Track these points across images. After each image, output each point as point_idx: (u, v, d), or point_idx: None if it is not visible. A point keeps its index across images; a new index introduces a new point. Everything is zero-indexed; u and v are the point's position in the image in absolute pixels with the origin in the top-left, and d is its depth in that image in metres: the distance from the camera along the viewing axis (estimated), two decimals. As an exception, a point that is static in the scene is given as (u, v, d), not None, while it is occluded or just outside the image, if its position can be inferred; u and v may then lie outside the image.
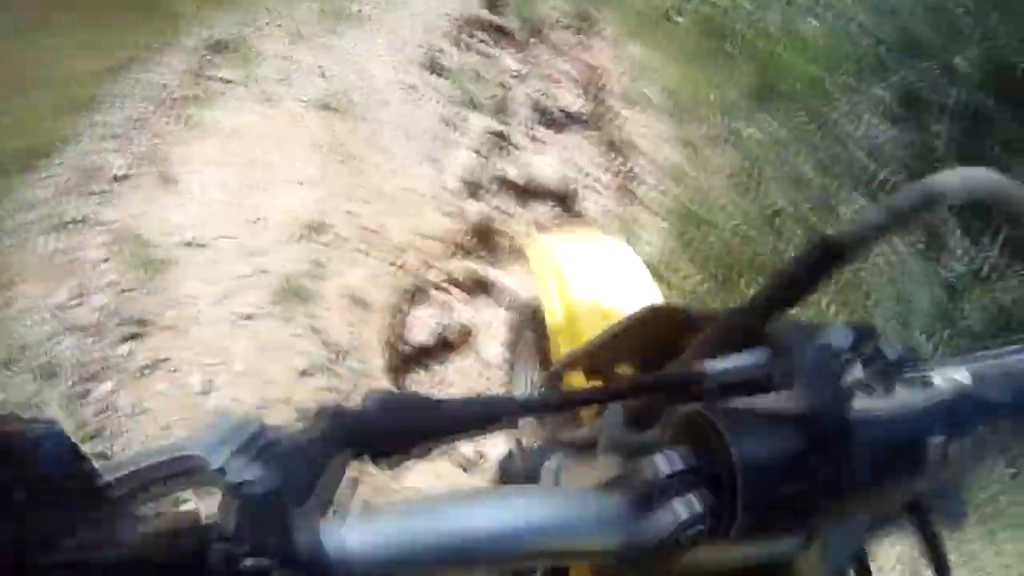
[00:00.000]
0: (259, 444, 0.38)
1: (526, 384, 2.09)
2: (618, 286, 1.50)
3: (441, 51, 4.61)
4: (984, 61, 2.88)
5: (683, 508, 0.40)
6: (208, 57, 4.35)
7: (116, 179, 3.27)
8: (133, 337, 2.58)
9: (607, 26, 5.58)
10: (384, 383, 2.52)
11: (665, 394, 0.50)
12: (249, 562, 0.33)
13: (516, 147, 4.04)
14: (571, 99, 4.65)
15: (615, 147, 4.16)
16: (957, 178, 0.43)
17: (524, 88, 4.67)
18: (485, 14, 5.55)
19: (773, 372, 0.47)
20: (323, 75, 4.01)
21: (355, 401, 0.43)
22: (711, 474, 0.41)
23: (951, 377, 0.50)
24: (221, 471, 0.37)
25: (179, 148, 3.44)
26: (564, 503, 0.43)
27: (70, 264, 2.85)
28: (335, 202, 3.07)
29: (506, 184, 3.68)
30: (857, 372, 0.47)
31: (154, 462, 0.38)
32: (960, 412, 0.49)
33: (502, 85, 4.51)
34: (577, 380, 0.83)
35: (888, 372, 0.48)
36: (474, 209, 3.34)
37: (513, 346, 2.25)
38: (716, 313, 0.54)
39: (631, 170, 3.88)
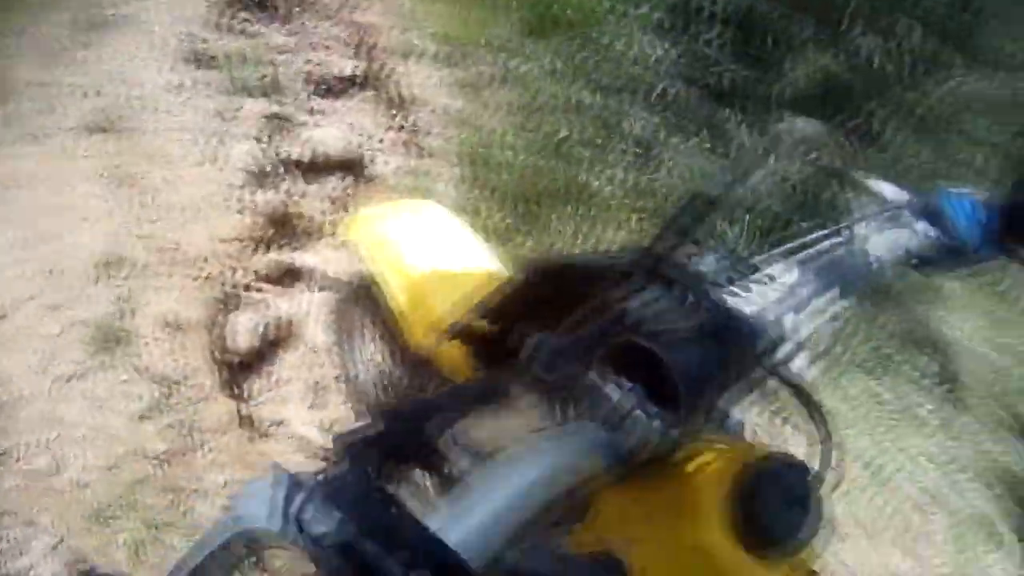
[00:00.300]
0: (304, 497, 0.43)
1: (362, 361, 2.15)
2: (447, 250, 1.56)
3: (204, 41, 4.55)
4: None
5: (642, 419, 0.57)
6: (-46, 99, 4.19)
7: None
8: None
9: (369, -21, 5.59)
10: (222, 400, 2.60)
11: (600, 333, 0.63)
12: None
13: (296, 124, 4.08)
14: (344, 63, 4.69)
15: (396, 104, 4.24)
16: (791, 127, 0.69)
17: (295, 62, 4.68)
18: (243, -9, 5.48)
19: (676, 301, 0.64)
20: (86, 95, 3.92)
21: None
22: (650, 387, 0.58)
23: (787, 271, 0.72)
24: (284, 532, 0.43)
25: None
26: (570, 444, 0.57)
27: None
28: (127, 230, 3.07)
29: (292, 164, 3.73)
30: (727, 284, 0.68)
31: (214, 549, 0.47)
32: (800, 296, 0.69)
33: (272, 63, 4.50)
34: (454, 350, 0.89)
35: (746, 278, 0.71)
36: (265, 199, 3.40)
37: (339, 327, 2.32)
38: (598, 260, 0.71)
39: (415, 124, 3.99)
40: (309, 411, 2.69)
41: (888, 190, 1.16)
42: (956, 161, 3.07)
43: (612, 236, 3.15)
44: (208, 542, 0.45)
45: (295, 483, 0.43)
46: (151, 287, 2.90)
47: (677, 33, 3.31)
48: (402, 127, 4.10)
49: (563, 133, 3.44)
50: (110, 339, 2.69)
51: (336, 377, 2.76)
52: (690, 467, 0.79)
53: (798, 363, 0.83)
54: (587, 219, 3.17)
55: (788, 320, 0.66)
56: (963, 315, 3.53)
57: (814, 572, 0.83)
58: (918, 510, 2.73)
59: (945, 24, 2.98)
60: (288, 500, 0.42)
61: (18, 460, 2.46)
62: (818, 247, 0.94)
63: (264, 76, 4.33)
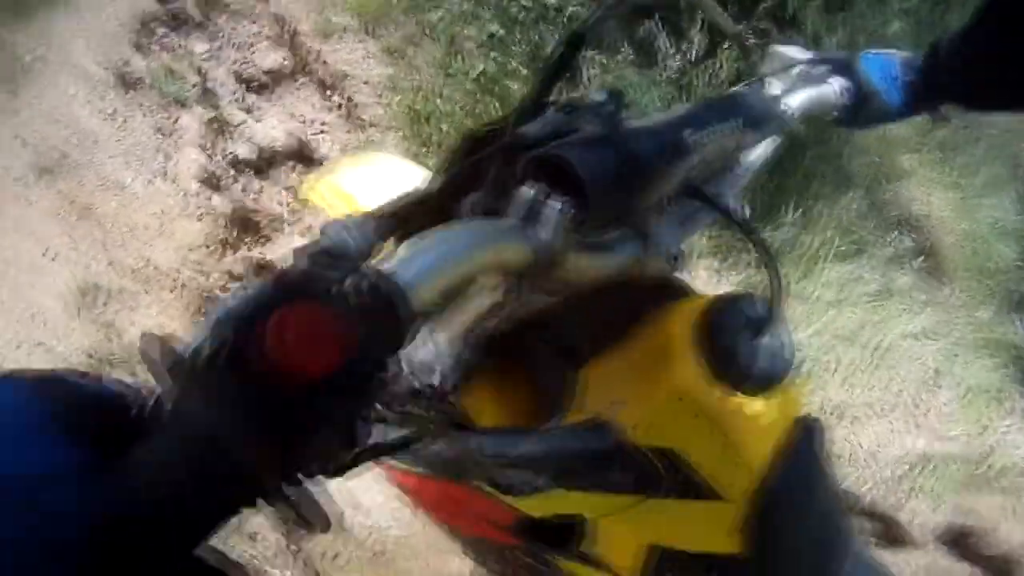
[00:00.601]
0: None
1: None
2: (401, 188, 1.63)
3: (127, 63, 4.55)
4: None
5: (554, 208, 0.63)
6: None
7: None
8: None
9: (277, -28, 5.58)
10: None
11: (509, 155, 0.70)
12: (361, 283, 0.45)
13: (236, 125, 4.12)
14: (270, 56, 4.70)
15: (328, 85, 4.27)
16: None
17: (221, 66, 4.69)
18: (157, 7, 5.45)
19: (574, 123, 0.70)
20: (25, 143, 3.93)
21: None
22: (562, 191, 0.64)
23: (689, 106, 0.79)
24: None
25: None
26: (496, 226, 0.64)
27: None
28: (95, 260, 3.12)
29: (240, 164, 3.78)
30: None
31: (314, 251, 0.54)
32: (696, 114, 0.75)
33: (199, 72, 4.52)
34: None
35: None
36: (222, 202, 3.45)
37: None
38: (516, 111, 0.76)
39: (351, 99, 4.03)
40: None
41: (795, 51, 1.21)
42: (872, 33, 3.12)
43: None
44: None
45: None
46: (131, 307, 2.95)
47: None
48: (340, 105, 4.14)
49: (487, 69, 3.47)
50: (104, 365, 2.74)
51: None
52: (657, 322, 0.87)
53: (722, 196, 0.92)
54: None
55: (688, 133, 0.72)
56: (927, 189, 3.61)
57: (812, 416, 0.91)
58: (924, 386, 2.80)
59: None
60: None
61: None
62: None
63: (194, 85, 4.34)
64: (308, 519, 0.41)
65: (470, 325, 0.92)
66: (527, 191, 0.64)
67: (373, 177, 1.67)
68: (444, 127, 3.43)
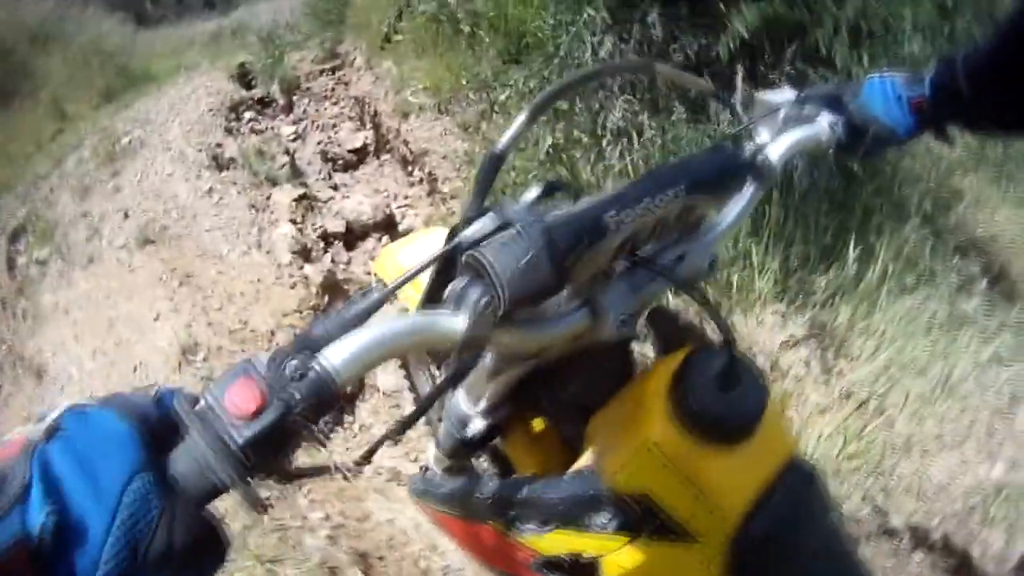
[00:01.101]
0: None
1: (429, 377, 2.31)
2: None
3: (220, 146, 4.82)
4: None
5: (473, 296, 0.72)
6: (13, 248, 4.47)
7: (-10, 392, 3.43)
8: None
9: (355, 55, 5.86)
10: (313, 451, 2.77)
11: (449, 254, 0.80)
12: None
13: (324, 201, 4.33)
14: (354, 136, 4.95)
15: (409, 160, 4.46)
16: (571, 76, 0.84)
17: (308, 145, 4.95)
18: (244, 93, 5.77)
19: (499, 223, 0.79)
20: (127, 216, 4.17)
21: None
22: (485, 283, 0.72)
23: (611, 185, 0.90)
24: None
25: (32, 341, 3.59)
26: (429, 316, 0.73)
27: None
28: (195, 321, 3.27)
29: (330, 236, 3.96)
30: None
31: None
32: (618, 197, 0.80)
33: (287, 152, 4.77)
34: None
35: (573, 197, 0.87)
36: (314, 271, 3.61)
37: (402, 362, 2.47)
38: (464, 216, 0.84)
39: (431, 173, 4.19)
40: (393, 447, 2.86)
41: (781, 95, 1.20)
42: (895, 56, 3.14)
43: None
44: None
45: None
46: (228, 363, 3.06)
47: (622, 25, 3.44)
48: (421, 180, 4.31)
49: (554, 140, 3.57)
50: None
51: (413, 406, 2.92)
52: (644, 377, 0.95)
53: (694, 258, 0.96)
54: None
55: (609, 217, 0.77)
56: (990, 210, 3.57)
57: (800, 459, 0.94)
58: (998, 414, 2.69)
59: None
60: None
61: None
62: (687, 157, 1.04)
63: (283, 165, 4.57)
64: (255, 502, 0.60)
65: (495, 385, 1.05)
66: (457, 283, 0.75)
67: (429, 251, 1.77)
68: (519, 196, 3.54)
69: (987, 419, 2.65)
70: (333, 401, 0.62)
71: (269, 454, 0.59)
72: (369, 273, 3.75)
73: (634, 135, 3.35)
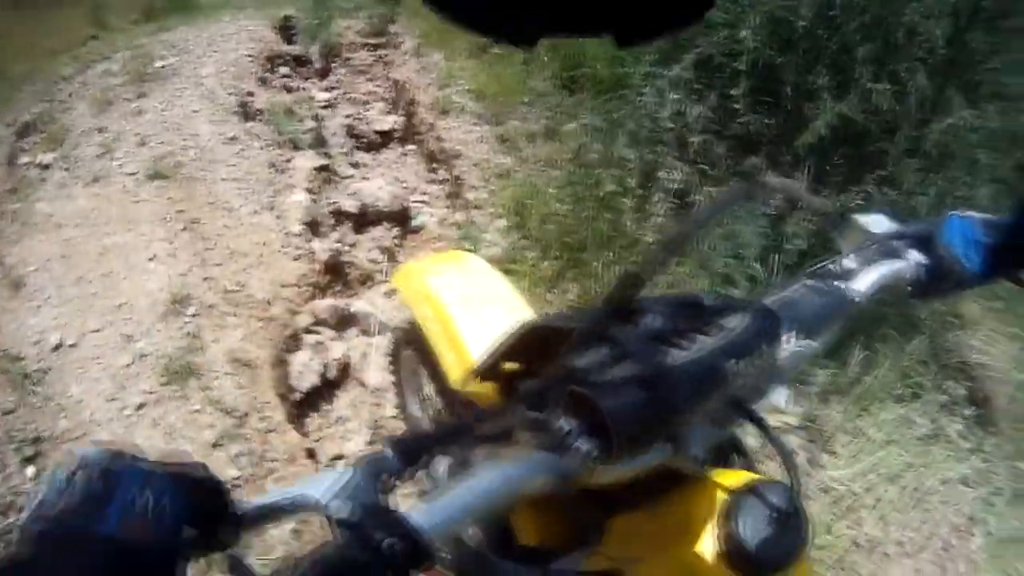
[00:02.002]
0: (351, 487, 0.62)
1: (418, 398, 2.29)
2: (482, 300, 1.66)
3: (251, 94, 4.72)
4: (765, 24, 3.23)
5: (583, 447, 0.69)
6: (18, 144, 4.35)
7: (-42, 293, 3.29)
8: (33, 457, 2.58)
9: (405, 38, 5.79)
10: (290, 432, 2.69)
11: (556, 384, 0.76)
12: (384, 543, 0.56)
13: (343, 177, 4.24)
14: (384, 118, 4.87)
15: (437, 158, 4.39)
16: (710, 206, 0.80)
17: (336, 116, 4.86)
18: (284, 47, 5.68)
19: (615, 357, 0.74)
20: (143, 143, 4.07)
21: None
22: (591, 424, 0.69)
23: (737, 318, 0.82)
24: (326, 507, 0.61)
25: (15, 248, 3.45)
26: (527, 464, 0.70)
27: (-63, 393, 2.86)
28: (192, 271, 3.18)
29: (342, 215, 3.88)
30: (671, 335, 0.78)
31: (280, 499, 0.63)
32: (743, 343, 0.78)
33: (315, 118, 4.67)
34: (477, 386, 1.01)
35: (692, 327, 0.80)
36: (320, 248, 3.52)
37: (395, 369, 2.43)
38: (572, 322, 0.80)
39: (458, 178, 4.12)
40: (368, 447, 2.78)
41: (876, 222, 1.18)
42: (961, 196, 3.18)
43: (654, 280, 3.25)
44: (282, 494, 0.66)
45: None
46: (218, 325, 2.99)
47: (704, 89, 3.43)
48: (445, 180, 4.24)
49: (608, 188, 3.55)
50: (181, 372, 2.78)
51: (394, 416, 2.86)
52: (688, 493, 0.91)
53: (776, 396, 0.93)
54: (626, 260, 3.29)
55: (729, 363, 0.75)
56: (989, 339, 3.62)
57: None
58: (957, 531, 2.79)
59: (945, 64, 3.11)
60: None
61: (88, 483, 2.51)
62: (786, 291, 1.01)
63: (310, 130, 4.48)
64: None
65: None
66: (563, 424, 0.71)
67: (456, 280, 1.76)
68: (550, 227, 3.49)
69: (946, 535, 2.77)
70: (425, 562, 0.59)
71: None
72: (372, 261, 3.67)
73: (687, 197, 3.34)
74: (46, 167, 4.05)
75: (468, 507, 0.63)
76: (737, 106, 3.28)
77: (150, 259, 3.25)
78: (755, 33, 3.17)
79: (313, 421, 2.89)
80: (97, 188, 3.76)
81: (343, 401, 3.00)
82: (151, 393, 2.72)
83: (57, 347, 2.91)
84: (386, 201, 3.97)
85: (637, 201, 3.46)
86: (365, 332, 3.25)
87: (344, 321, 3.26)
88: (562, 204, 3.60)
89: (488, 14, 0.40)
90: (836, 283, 1.05)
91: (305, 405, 2.91)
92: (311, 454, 2.71)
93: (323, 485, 0.63)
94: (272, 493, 0.64)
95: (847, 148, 3.23)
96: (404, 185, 4.24)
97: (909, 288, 1.15)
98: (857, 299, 1.02)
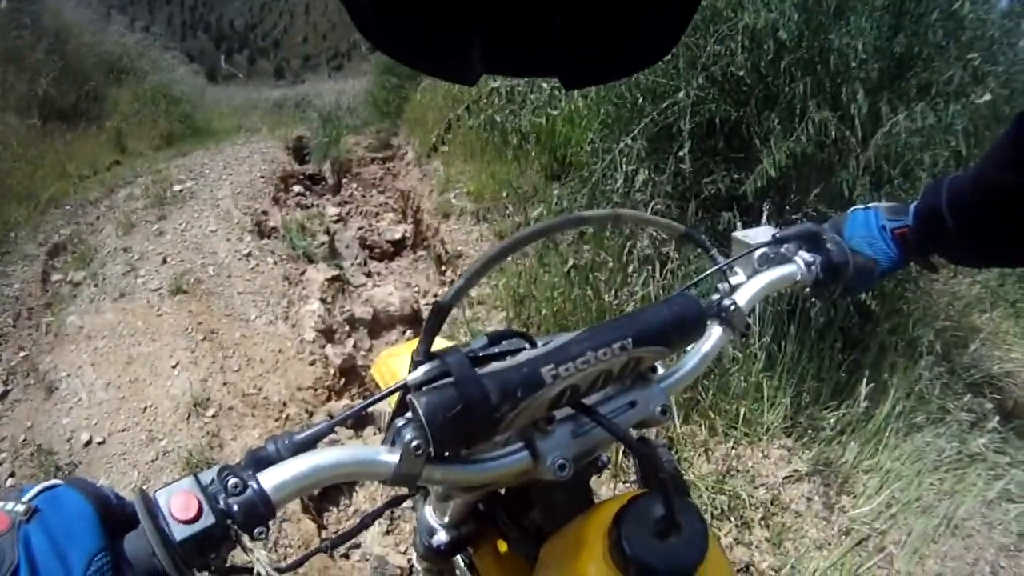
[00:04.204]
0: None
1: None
2: None
3: (266, 213, 5.00)
4: (711, 82, 3.34)
5: (406, 438, 0.75)
6: (49, 262, 4.61)
7: (-2, 397, 3.51)
8: None
9: (407, 149, 6.09)
10: (304, 522, 2.81)
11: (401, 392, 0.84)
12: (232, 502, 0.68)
13: (355, 286, 4.47)
14: (392, 227, 5.12)
15: (443, 260, 4.60)
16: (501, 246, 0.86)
17: (349, 229, 5.13)
18: (296, 167, 6.00)
19: (441, 371, 0.81)
20: (165, 261, 4.32)
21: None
22: (419, 424, 0.76)
23: (558, 339, 0.86)
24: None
25: (48, 356, 3.67)
26: (362, 450, 0.78)
27: (-26, 486, 3.04)
28: (212, 377, 3.37)
29: (356, 322, 4.08)
30: (496, 354, 0.87)
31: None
32: (560, 349, 0.81)
33: (328, 232, 4.93)
34: None
35: (518, 347, 0.90)
36: (335, 353, 3.71)
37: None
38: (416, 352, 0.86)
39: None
40: (384, 536, 2.90)
41: (758, 234, 1.18)
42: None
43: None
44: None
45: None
46: (237, 425, 3.16)
47: (655, 155, 3.52)
48: (453, 281, 4.41)
49: (579, 262, 3.63)
50: (201, 466, 2.91)
51: (410, 508, 2.98)
52: (589, 516, 0.94)
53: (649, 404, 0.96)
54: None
55: (548, 371, 0.81)
56: (1007, 346, 3.59)
57: None
58: (1005, 552, 2.63)
59: (877, 77, 3.19)
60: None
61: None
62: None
63: (323, 244, 4.73)
64: None
65: (455, 505, 1.10)
66: (398, 421, 0.79)
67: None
68: (544, 311, 3.64)
69: (992, 557, 2.61)
70: (265, 517, 0.70)
71: (204, 553, 0.68)
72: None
73: (658, 265, 3.42)
74: (76, 284, 4.30)
75: (305, 476, 0.72)
76: (685, 166, 3.33)
77: (173, 366, 3.45)
78: (700, 91, 3.29)
79: (332, 514, 3.02)
80: (123, 303, 3.99)
81: (361, 496, 3.12)
82: None
83: (87, 443, 3.10)
84: (397, 306, 4.18)
85: (613, 273, 3.57)
86: (382, 431, 3.38)
87: (361, 421, 3.41)
88: (550, 288, 3.73)
89: (430, 52, 0.42)
90: (715, 296, 1.07)
91: (323, 499, 3.04)
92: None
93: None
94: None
95: (802, 181, 3.32)
96: (415, 289, 4.46)
97: (808, 288, 1.15)
98: (737, 308, 1.03)
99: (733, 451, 2.89)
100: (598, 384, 0.86)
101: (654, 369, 0.96)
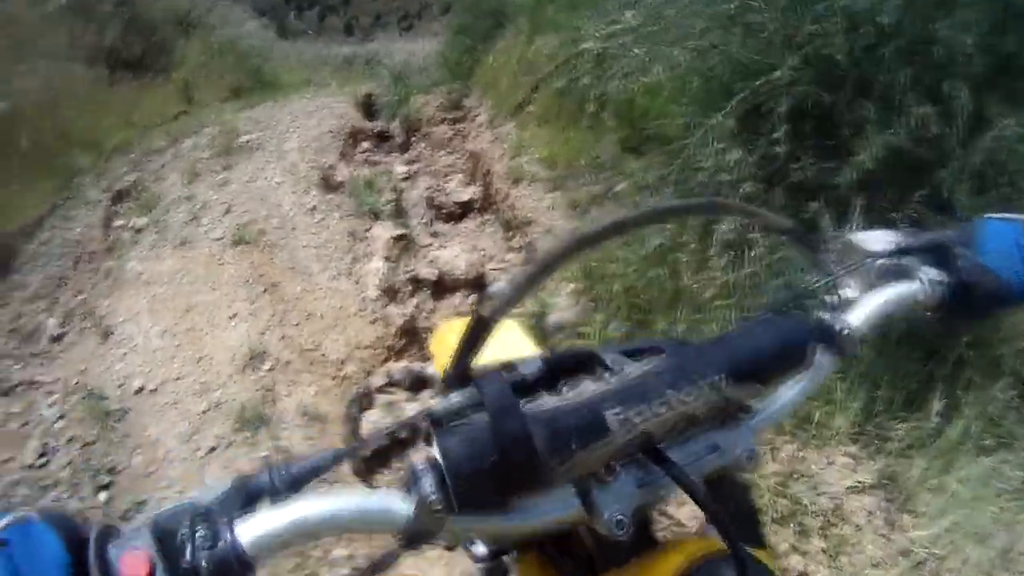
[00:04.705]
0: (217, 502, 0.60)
1: None
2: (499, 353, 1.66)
3: (332, 168, 4.87)
4: (806, 63, 3.11)
5: (424, 488, 0.60)
6: (112, 208, 4.54)
7: (53, 339, 3.43)
8: (107, 486, 2.71)
9: (479, 111, 5.93)
10: (356, 486, 2.70)
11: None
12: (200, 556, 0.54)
13: (421, 246, 4.32)
14: (461, 189, 4.97)
15: (512, 225, 4.46)
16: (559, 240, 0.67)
17: (416, 188, 4.98)
18: (365, 123, 5.87)
19: (474, 402, 0.66)
20: (229, 210, 4.22)
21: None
22: (440, 469, 0.62)
23: (636, 364, 0.71)
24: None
25: (106, 301, 3.61)
26: (364, 498, 0.63)
27: (26, 427, 2.99)
28: (270, 330, 3.26)
29: (420, 283, 3.93)
30: (543, 383, 0.70)
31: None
32: (630, 387, 0.67)
33: (395, 190, 4.79)
34: None
35: (573, 376, 0.71)
36: (396, 312, 3.58)
37: None
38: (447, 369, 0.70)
39: (531, 244, 4.16)
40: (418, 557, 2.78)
41: (876, 239, 0.97)
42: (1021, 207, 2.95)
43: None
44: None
45: None
46: (292, 381, 3.05)
47: (749, 136, 3.35)
48: (520, 247, 4.27)
49: (661, 242, 3.46)
50: (253, 421, 2.84)
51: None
52: (653, 559, 0.81)
53: (736, 450, 0.79)
54: (692, 320, 3.22)
55: (612, 412, 0.66)
56: None
57: None
58: None
59: (985, 75, 2.98)
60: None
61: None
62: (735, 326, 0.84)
63: (389, 201, 4.58)
64: None
65: None
66: (415, 460, 0.65)
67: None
68: (616, 288, 3.46)
69: None
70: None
71: None
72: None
73: (746, 249, 3.24)
74: (138, 230, 4.23)
75: (294, 529, 0.59)
76: (780, 149, 3.18)
77: (231, 317, 3.35)
78: (794, 72, 3.11)
79: (382, 477, 2.89)
80: (184, 251, 3.91)
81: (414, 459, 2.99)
82: (223, 438, 2.79)
83: (139, 390, 3.04)
84: (463, 269, 4.02)
85: (694, 256, 3.40)
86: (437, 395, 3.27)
87: (418, 383, 3.28)
88: (627, 265, 3.56)
89: None
90: (823, 315, 0.86)
91: (373, 461, 2.92)
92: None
93: (208, 494, 0.61)
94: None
95: (898, 177, 3.12)
96: (482, 253, 4.29)
97: (929, 313, 0.94)
98: (851, 332, 0.82)
99: (799, 453, 2.73)
100: (676, 429, 0.70)
101: (745, 408, 0.78)
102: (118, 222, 4.38)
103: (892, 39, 2.97)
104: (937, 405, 2.82)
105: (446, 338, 1.75)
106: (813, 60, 3.14)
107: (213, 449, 2.76)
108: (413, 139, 5.81)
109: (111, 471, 2.76)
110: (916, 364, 2.95)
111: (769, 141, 3.20)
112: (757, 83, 3.20)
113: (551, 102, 5.23)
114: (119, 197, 4.66)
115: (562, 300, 3.62)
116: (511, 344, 1.80)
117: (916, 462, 2.78)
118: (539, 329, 3.34)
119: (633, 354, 0.73)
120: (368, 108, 6.24)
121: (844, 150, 3.06)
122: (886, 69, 2.99)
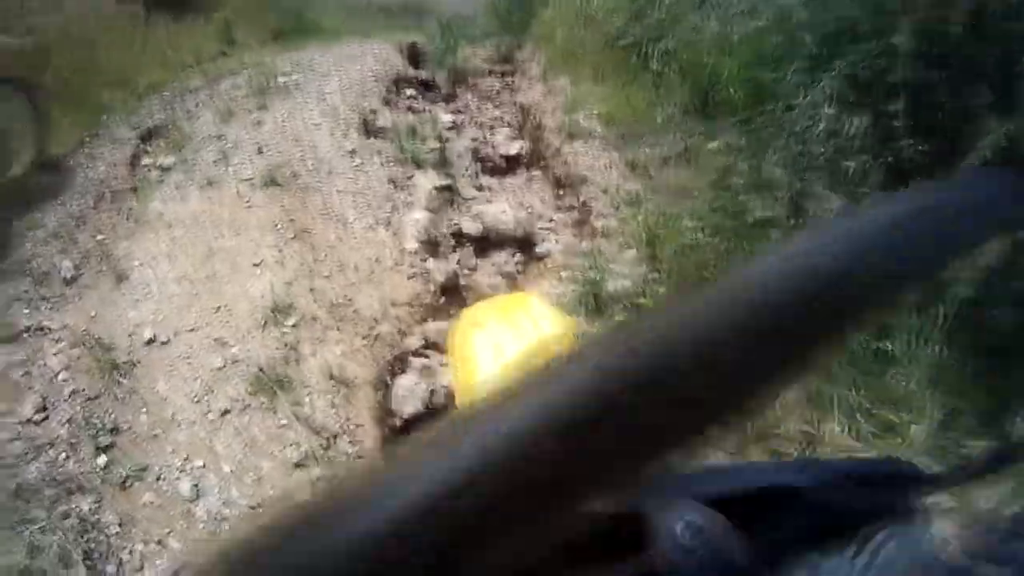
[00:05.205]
0: None
1: None
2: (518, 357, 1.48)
3: (374, 112, 4.57)
4: (918, 33, 2.87)
5: None
6: (141, 146, 4.27)
7: (67, 282, 3.17)
8: (108, 448, 2.48)
9: (531, 64, 5.60)
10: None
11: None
12: None
13: (465, 199, 4.00)
14: (510, 143, 4.64)
15: (563, 183, 4.12)
16: None
17: (462, 139, 4.65)
18: (410, 71, 5.55)
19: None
20: (261, 151, 3.92)
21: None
22: None
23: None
24: None
25: (125, 243, 3.35)
26: None
27: (28, 377, 2.74)
28: (298, 281, 2.99)
29: (463, 237, 3.63)
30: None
31: None
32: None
33: (439, 139, 4.47)
34: None
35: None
36: (437, 268, 3.28)
37: None
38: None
39: (585, 204, 3.83)
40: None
41: None
42: None
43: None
44: None
45: None
46: (319, 339, 2.77)
47: (861, 106, 3.03)
48: (572, 207, 3.95)
49: (757, 215, 3.16)
50: (272, 382, 2.58)
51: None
52: None
53: None
54: None
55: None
56: None
57: None
58: None
59: None
60: None
61: (159, 479, 2.37)
62: None
63: (433, 150, 4.27)
64: None
65: None
66: None
67: (502, 343, 1.55)
68: (691, 259, 3.11)
69: None
70: None
71: None
72: (492, 287, 3.39)
73: None
74: (166, 169, 3.97)
75: None
76: (896, 124, 2.86)
77: (255, 264, 3.08)
78: (907, 40, 2.81)
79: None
80: (211, 192, 3.63)
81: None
82: (238, 400, 2.55)
83: (150, 341, 2.79)
84: (510, 226, 3.70)
85: (785, 232, 3.05)
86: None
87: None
88: (699, 234, 3.22)
89: None
90: None
91: (404, 432, 2.62)
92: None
93: None
94: None
95: (1012, 171, 2.77)
96: (529, 210, 3.97)
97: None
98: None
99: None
100: None
101: None
102: (145, 161, 4.11)
103: (1013, 20, 2.70)
104: (1018, 427, 2.50)
105: (465, 338, 1.65)
106: (924, 33, 2.84)
107: (226, 412, 2.51)
108: (459, 90, 5.50)
109: (113, 431, 2.53)
110: (997, 379, 2.65)
111: (885, 114, 2.91)
112: (869, 46, 2.94)
113: (611, 57, 4.93)
114: (148, 136, 4.39)
115: (619, 267, 3.28)
116: (535, 318, 1.57)
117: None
118: (596, 299, 3.01)
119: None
120: (414, 57, 5.92)
121: (951, 131, 2.76)
122: (1010, 51, 2.70)
